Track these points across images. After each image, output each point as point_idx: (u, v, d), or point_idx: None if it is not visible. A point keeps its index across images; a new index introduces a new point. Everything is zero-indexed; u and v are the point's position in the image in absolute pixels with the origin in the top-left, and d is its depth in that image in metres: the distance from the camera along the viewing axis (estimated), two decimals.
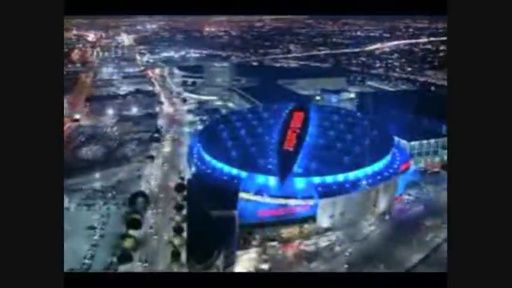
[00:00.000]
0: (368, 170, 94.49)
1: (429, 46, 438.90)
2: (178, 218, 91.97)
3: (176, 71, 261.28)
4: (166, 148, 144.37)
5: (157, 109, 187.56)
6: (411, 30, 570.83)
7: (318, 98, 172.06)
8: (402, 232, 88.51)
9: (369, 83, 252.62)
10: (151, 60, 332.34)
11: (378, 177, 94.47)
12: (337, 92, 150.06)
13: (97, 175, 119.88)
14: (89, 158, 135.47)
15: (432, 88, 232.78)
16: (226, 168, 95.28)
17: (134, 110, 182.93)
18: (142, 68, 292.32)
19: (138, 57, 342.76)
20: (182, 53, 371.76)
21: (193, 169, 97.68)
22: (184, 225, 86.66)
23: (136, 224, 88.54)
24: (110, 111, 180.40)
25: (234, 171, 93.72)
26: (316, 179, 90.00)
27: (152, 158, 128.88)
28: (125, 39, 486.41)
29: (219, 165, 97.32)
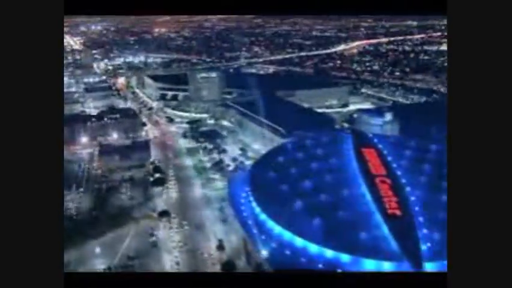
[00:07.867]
0: None
1: (392, 46, 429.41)
2: None
3: (148, 80, 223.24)
4: (172, 192, 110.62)
5: (143, 133, 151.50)
6: (362, 29, 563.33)
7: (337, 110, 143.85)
8: None
9: (362, 90, 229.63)
10: (110, 67, 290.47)
11: None
12: (378, 113, 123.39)
13: (95, 247, 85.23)
14: (72, 214, 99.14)
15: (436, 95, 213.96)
16: (314, 248, 65.43)
17: (115, 136, 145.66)
18: (104, 77, 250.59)
19: (94, 64, 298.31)
20: (142, 58, 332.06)
21: (264, 252, 66.53)
22: None
23: None
24: (83, 139, 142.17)
25: (329, 253, 64.15)
26: None
27: (168, 215, 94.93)
28: (72, 42, 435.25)
29: (299, 241, 67.21)
